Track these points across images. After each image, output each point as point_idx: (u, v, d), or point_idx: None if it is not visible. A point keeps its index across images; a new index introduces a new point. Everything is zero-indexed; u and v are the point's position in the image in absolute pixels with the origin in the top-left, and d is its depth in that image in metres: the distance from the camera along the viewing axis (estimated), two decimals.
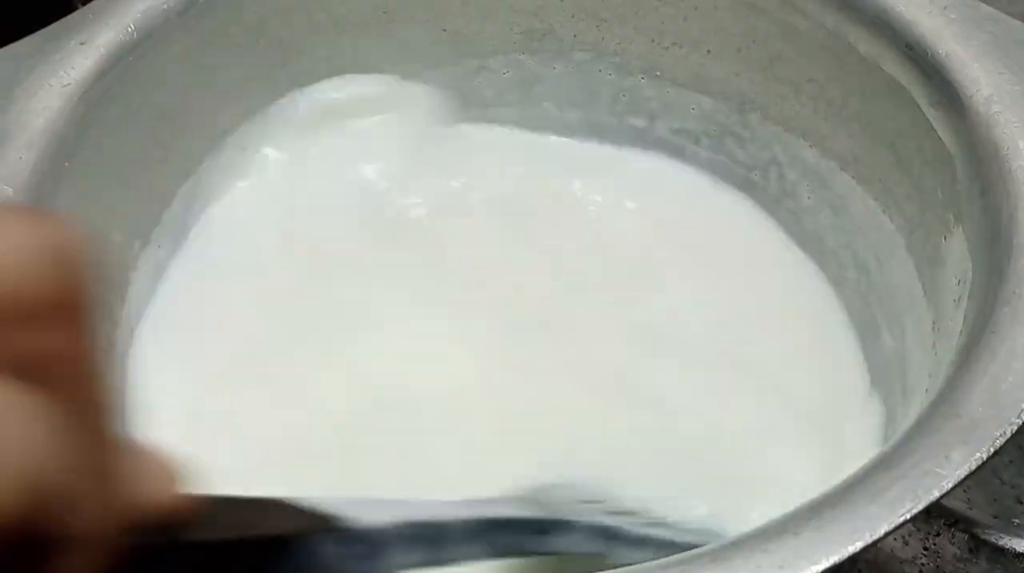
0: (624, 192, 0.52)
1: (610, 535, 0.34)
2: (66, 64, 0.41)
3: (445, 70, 0.52)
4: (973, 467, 0.31)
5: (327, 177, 0.51)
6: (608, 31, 0.51)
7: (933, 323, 0.41)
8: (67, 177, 0.40)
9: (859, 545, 0.29)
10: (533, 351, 0.45)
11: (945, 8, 0.42)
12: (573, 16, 0.51)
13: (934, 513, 0.46)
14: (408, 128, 0.52)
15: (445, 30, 0.51)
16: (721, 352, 0.46)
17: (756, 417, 0.44)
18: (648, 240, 0.50)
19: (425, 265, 0.48)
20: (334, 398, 0.44)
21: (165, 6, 0.44)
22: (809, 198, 0.49)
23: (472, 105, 0.53)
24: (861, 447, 0.40)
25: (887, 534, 0.29)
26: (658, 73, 0.52)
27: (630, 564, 0.29)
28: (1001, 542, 0.46)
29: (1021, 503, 0.48)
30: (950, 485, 0.30)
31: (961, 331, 0.36)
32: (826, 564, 0.29)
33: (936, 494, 0.30)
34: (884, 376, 0.45)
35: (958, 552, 0.46)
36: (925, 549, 0.46)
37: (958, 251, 0.40)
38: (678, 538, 0.37)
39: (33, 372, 0.16)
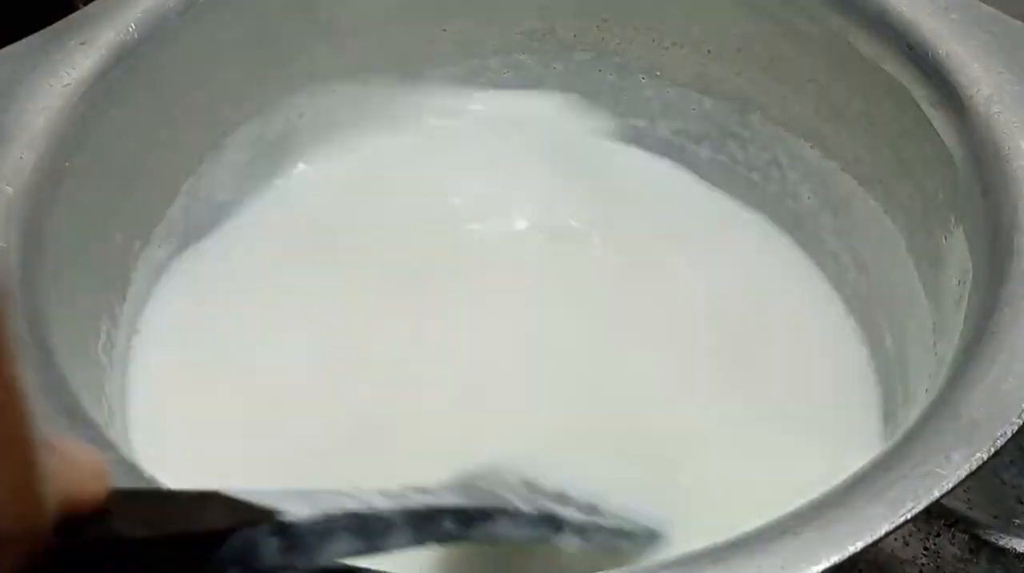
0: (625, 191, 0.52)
1: (552, 522, 0.35)
2: (67, 64, 0.41)
3: (445, 70, 0.52)
4: (973, 467, 0.31)
5: (328, 176, 0.52)
6: (608, 31, 0.51)
7: (934, 324, 0.41)
8: (67, 177, 0.40)
9: (860, 545, 0.29)
10: (527, 339, 0.46)
11: (945, 8, 0.42)
12: (574, 16, 0.51)
13: (934, 513, 0.46)
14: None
15: (445, 30, 0.51)
16: (720, 349, 0.46)
17: (756, 417, 0.43)
18: (648, 239, 0.50)
19: (422, 265, 0.48)
20: (334, 397, 0.44)
21: (165, 6, 0.44)
22: (810, 198, 0.49)
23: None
24: (862, 447, 0.40)
25: (888, 534, 0.29)
26: (658, 73, 0.52)
27: (572, 549, 0.30)
28: (1001, 542, 0.46)
29: (1021, 503, 0.48)
30: (950, 485, 0.30)
31: (962, 332, 0.36)
32: (827, 564, 0.29)
33: (936, 494, 0.30)
34: (885, 376, 0.45)
35: (958, 552, 0.46)
36: (925, 549, 0.46)
37: (959, 252, 0.40)
38: (623, 526, 0.37)
39: None
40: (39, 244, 0.38)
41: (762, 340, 0.46)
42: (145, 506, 0.22)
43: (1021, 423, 0.32)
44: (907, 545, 0.46)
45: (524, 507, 0.34)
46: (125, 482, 0.29)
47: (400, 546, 0.28)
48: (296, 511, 0.24)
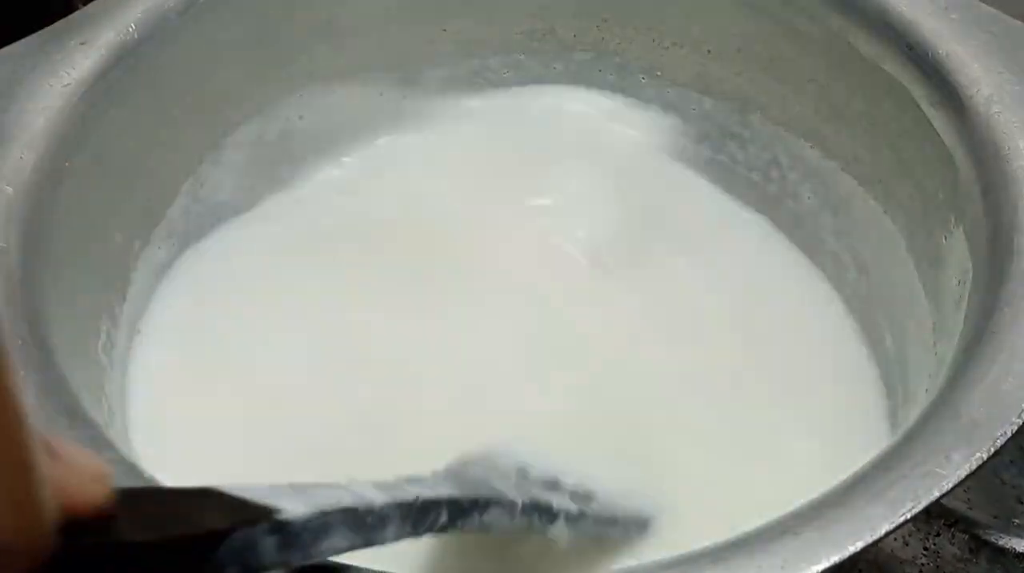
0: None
1: (545, 512, 0.35)
2: (66, 64, 0.41)
3: (445, 70, 0.52)
4: (973, 467, 0.31)
5: (328, 176, 0.52)
6: (608, 31, 0.51)
7: (934, 324, 0.41)
8: (67, 177, 0.40)
9: (860, 545, 0.29)
10: (527, 339, 0.46)
11: (945, 8, 0.42)
12: (574, 16, 0.51)
13: (934, 513, 0.47)
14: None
15: (445, 30, 0.51)
16: (720, 348, 0.46)
17: (755, 416, 0.44)
18: (648, 239, 0.50)
19: (422, 265, 0.48)
20: (334, 397, 0.44)
21: (165, 6, 0.44)
22: (810, 199, 0.49)
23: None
24: (864, 446, 0.40)
25: (888, 534, 0.29)
26: (658, 73, 0.52)
27: (564, 539, 0.31)
28: (1001, 542, 0.46)
29: (1021, 503, 0.48)
30: (950, 485, 0.30)
31: (962, 332, 0.36)
32: (827, 564, 0.29)
33: (936, 494, 0.30)
34: (885, 376, 0.45)
35: (958, 552, 0.46)
36: (925, 549, 0.46)
37: (959, 252, 0.40)
38: (615, 514, 0.38)
39: None
40: (39, 244, 0.38)
41: (762, 339, 0.46)
42: (144, 506, 0.22)
43: (1021, 423, 0.32)
44: (907, 545, 0.46)
45: (517, 497, 0.34)
46: (125, 482, 0.29)
47: (395, 538, 0.29)
48: (292, 508, 0.25)
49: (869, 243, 0.47)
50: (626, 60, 0.52)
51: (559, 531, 0.35)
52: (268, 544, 0.24)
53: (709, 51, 0.50)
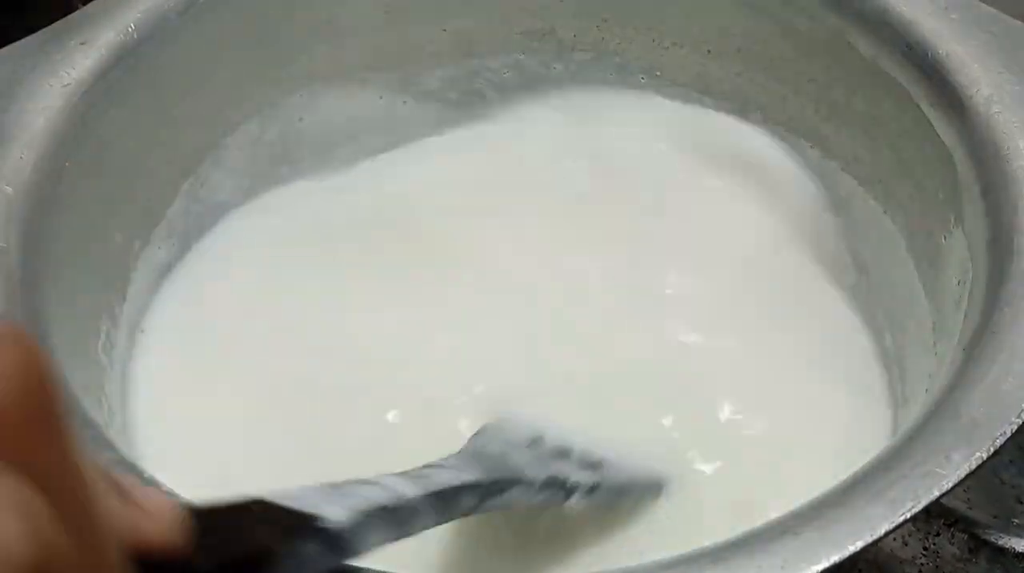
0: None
1: (561, 486, 0.37)
2: (66, 64, 0.41)
3: (445, 70, 0.52)
4: (973, 467, 0.31)
5: (328, 176, 0.52)
6: (608, 31, 0.51)
7: (934, 324, 0.41)
8: (67, 177, 0.40)
9: (859, 545, 0.29)
10: (527, 339, 0.46)
11: (945, 8, 0.42)
12: (574, 16, 0.51)
13: (934, 513, 0.46)
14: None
15: (445, 30, 0.51)
16: (719, 341, 0.46)
17: (755, 416, 0.44)
18: (654, 237, 0.50)
19: (422, 265, 0.48)
20: (334, 396, 0.44)
21: (165, 6, 0.44)
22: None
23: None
24: (863, 446, 0.40)
25: (887, 534, 0.29)
26: (658, 73, 0.52)
27: (579, 509, 0.33)
28: (1001, 542, 0.46)
29: (1021, 503, 0.48)
30: (950, 485, 0.30)
31: (961, 332, 0.36)
32: (827, 564, 0.29)
33: (936, 494, 0.30)
34: (886, 376, 0.45)
35: (958, 552, 0.46)
36: (925, 549, 0.46)
37: (959, 252, 0.40)
38: (628, 479, 0.39)
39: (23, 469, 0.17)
40: (39, 244, 0.38)
41: (764, 338, 0.46)
42: (200, 527, 0.23)
43: (1021, 423, 0.32)
44: (907, 545, 0.46)
45: (536, 474, 0.35)
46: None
47: (425, 527, 0.30)
48: (334, 514, 0.25)
49: (869, 243, 0.47)
50: (626, 60, 0.52)
51: (575, 502, 0.37)
52: (313, 551, 0.25)
53: (709, 51, 0.50)
